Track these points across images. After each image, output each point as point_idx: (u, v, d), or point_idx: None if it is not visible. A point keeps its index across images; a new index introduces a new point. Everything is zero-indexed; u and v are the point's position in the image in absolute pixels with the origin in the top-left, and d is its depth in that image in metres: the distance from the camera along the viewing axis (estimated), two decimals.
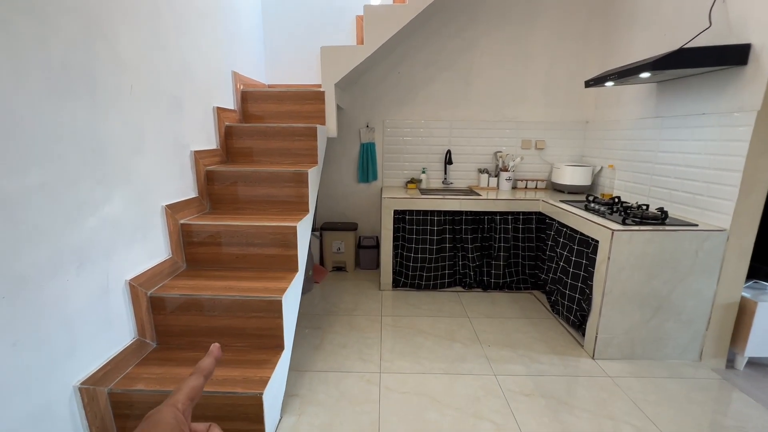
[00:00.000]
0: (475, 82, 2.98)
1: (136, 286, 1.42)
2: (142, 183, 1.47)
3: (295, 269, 1.76)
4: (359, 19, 2.78)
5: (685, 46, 1.76)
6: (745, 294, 1.86)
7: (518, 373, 1.80)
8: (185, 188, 1.80)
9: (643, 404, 1.60)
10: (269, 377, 1.36)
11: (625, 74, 1.93)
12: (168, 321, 1.53)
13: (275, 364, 1.44)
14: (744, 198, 1.72)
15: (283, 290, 1.55)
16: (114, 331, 1.33)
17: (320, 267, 3.09)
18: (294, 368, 1.81)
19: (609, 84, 2.19)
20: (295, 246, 1.75)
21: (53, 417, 1.10)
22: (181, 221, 1.73)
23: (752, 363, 1.93)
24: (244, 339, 1.55)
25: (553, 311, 2.41)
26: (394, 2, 2.79)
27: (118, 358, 1.34)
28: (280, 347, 1.55)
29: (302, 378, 1.75)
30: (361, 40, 2.49)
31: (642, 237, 1.79)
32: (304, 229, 1.86)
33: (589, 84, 2.28)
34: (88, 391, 1.20)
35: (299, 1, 2.87)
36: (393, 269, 2.76)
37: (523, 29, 2.87)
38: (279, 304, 1.50)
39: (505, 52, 2.91)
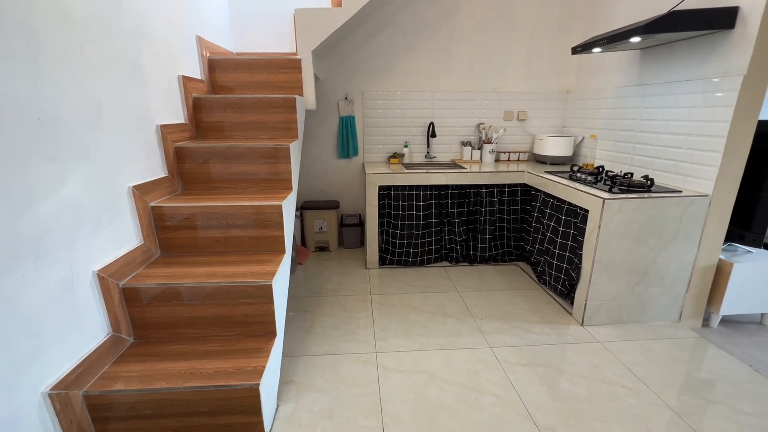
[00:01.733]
0: (456, 51, 2.86)
1: (105, 277, 1.27)
2: (103, 161, 1.29)
3: (282, 251, 1.65)
4: None
5: (673, 9, 1.73)
6: (721, 256, 1.94)
7: (513, 344, 1.82)
8: (153, 167, 1.62)
9: (633, 366, 1.66)
10: (264, 366, 1.28)
11: (614, 39, 1.89)
12: (145, 313, 1.40)
13: (269, 352, 1.36)
14: (727, 163, 1.75)
15: (272, 274, 1.44)
16: (84, 327, 1.19)
17: (302, 248, 2.97)
18: (286, 354, 1.73)
19: (597, 50, 2.15)
20: (281, 226, 1.63)
21: (21, 429, 0.97)
22: (152, 204, 1.56)
23: (725, 321, 2.04)
24: (233, 327, 1.44)
25: (540, 281, 2.45)
26: None
27: (92, 358, 1.21)
28: (273, 334, 1.46)
29: (296, 363, 1.67)
30: (338, 2, 2.30)
31: (631, 205, 1.81)
32: (289, 208, 1.74)
33: (576, 50, 2.23)
34: (59, 396, 1.07)
35: None
36: (379, 247, 2.69)
37: None
38: (269, 288, 1.40)
39: (487, 19, 2.81)
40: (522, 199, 2.67)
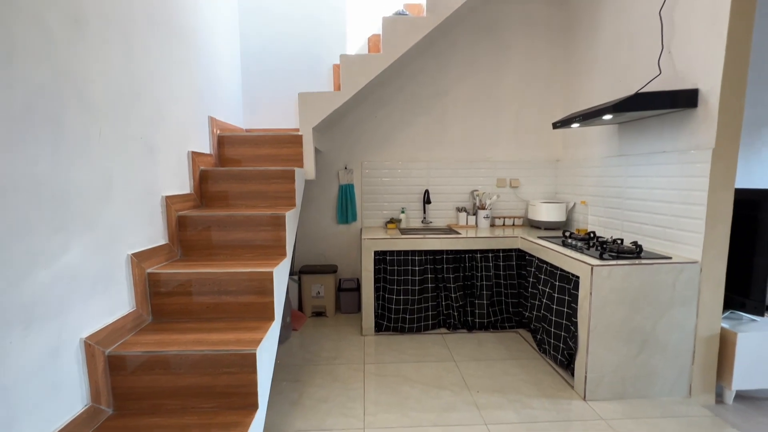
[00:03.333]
0: (449, 125, 3.09)
1: (92, 345, 1.29)
2: (106, 231, 1.38)
3: (272, 318, 1.66)
4: (336, 68, 2.89)
5: (640, 91, 1.90)
6: (724, 325, 1.88)
7: (510, 421, 1.71)
8: (154, 235, 1.71)
9: None
10: None
11: (589, 116, 2.05)
12: (128, 382, 1.38)
13: (247, 426, 1.31)
14: (711, 230, 1.78)
15: (258, 341, 1.44)
16: (62, 398, 1.18)
17: (299, 313, 2.95)
18: (270, 428, 1.65)
19: (575, 125, 2.32)
20: (271, 292, 1.66)
21: None
22: (148, 270, 1.62)
23: (740, 396, 1.91)
24: (213, 399, 1.41)
25: (540, 350, 2.35)
26: (369, 52, 2.94)
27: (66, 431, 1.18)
28: (254, 406, 1.41)
29: None
30: (338, 87, 2.57)
31: (620, 271, 1.81)
32: (281, 274, 1.78)
33: (556, 125, 2.40)
34: None
35: (277, 50, 2.97)
36: (375, 312, 2.66)
37: (492, 76, 3.05)
38: (253, 357, 1.39)
39: (477, 97, 3.07)
40: (517, 264, 2.68)
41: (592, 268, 1.80)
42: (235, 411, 1.40)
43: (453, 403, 1.85)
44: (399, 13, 2.64)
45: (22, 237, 1.04)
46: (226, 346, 1.41)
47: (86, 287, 1.28)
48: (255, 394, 1.41)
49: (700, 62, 1.81)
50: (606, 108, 1.89)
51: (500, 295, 2.70)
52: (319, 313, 3.00)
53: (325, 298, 2.97)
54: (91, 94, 1.31)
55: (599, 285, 1.81)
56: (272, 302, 1.67)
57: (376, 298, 2.66)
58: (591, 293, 1.81)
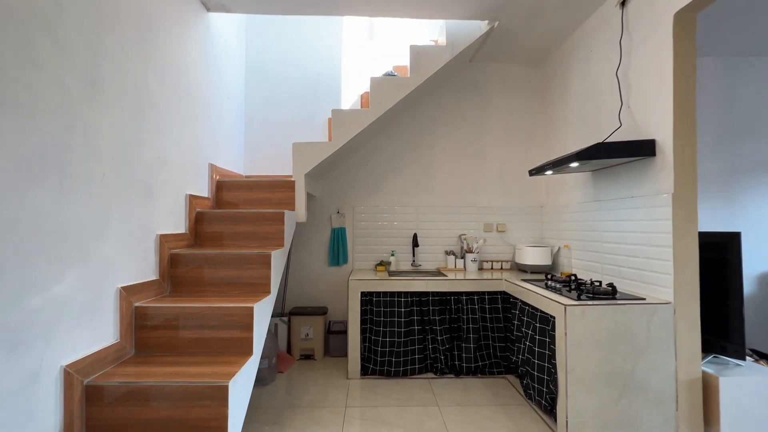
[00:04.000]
0: (437, 173, 3.27)
1: (71, 373, 1.35)
2: (99, 264, 1.49)
3: (249, 353, 1.70)
4: (329, 121, 3.14)
5: (602, 141, 2.06)
6: (706, 369, 1.86)
7: None
8: (146, 270, 1.82)
9: None
10: None
11: (558, 164, 2.19)
12: (103, 414, 1.42)
13: None
14: (680, 271, 1.83)
15: (232, 375, 1.48)
16: (35, 426, 1.22)
17: (286, 355, 2.94)
18: None
19: (549, 172, 2.46)
20: (250, 328, 1.72)
21: None
22: (136, 304, 1.71)
23: None
24: None
25: (526, 396, 2.30)
26: (361, 107, 3.21)
27: None
28: None
29: None
30: (331, 138, 2.78)
31: (594, 311, 1.84)
32: (262, 311, 1.85)
33: (532, 173, 2.55)
34: None
35: (278, 105, 3.26)
36: (361, 355, 2.65)
37: (476, 129, 3.28)
38: (225, 390, 1.43)
39: (462, 147, 3.27)
40: (503, 307, 2.70)
41: (565, 308, 1.84)
42: None
43: None
44: (388, 74, 2.93)
45: (20, 265, 1.15)
46: (202, 378, 1.45)
47: (73, 316, 1.37)
48: (225, 428, 1.43)
49: (654, 115, 1.97)
50: (570, 157, 2.04)
51: (487, 339, 2.69)
52: (307, 356, 2.99)
53: (313, 341, 2.97)
54: (98, 143, 1.49)
55: (573, 325, 1.84)
56: (251, 338, 1.72)
57: (363, 341, 2.67)
58: (566, 333, 1.83)
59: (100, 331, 1.51)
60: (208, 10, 2.47)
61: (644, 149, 1.94)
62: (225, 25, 2.80)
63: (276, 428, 1.99)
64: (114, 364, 1.56)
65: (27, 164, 1.18)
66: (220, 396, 1.43)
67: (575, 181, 2.73)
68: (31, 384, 1.20)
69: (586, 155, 1.98)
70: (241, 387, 1.56)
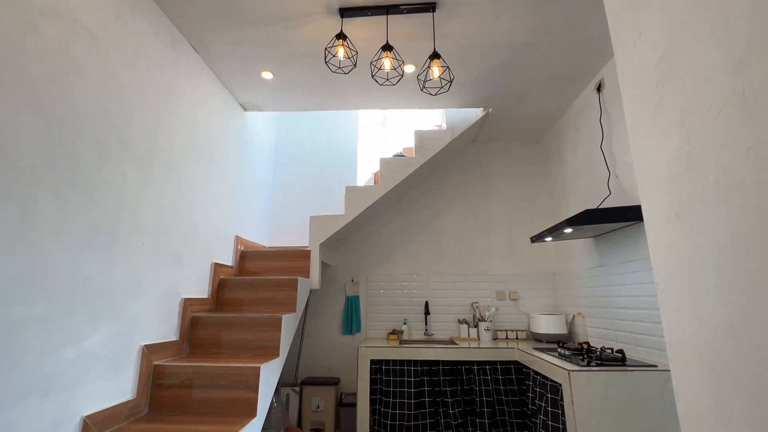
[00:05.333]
0: (446, 242, 3.42)
1: (89, 425, 1.47)
2: (128, 322, 1.69)
3: (253, 414, 1.76)
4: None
5: (593, 208, 2.18)
6: None
7: None
8: (168, 331, 1.99)
9: None
10: None
11: (554, 230, 2.30)
12: None
13: None
14: None
15: None
16: None
17: (296, 429, 2.87)
18: None
19: (548, 239, 2.56)
20: (256, 388, 1.80)
21: None
22: (155, 362, 1.86)
23: None
24: None
25: None
26: (374, 184, 3.53)
27: None
28: None
29: None
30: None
31: (600, 378, 1.79)
32: (268, 373, 1.93)
33: (533, 240, 2.65)
34: None
35: (301, 184, 3.66)
36: (371, 429, 2.56)
37: (482, 200, 3.49)
38: None
39: (469, 218, 3.45)
40: (517, 378, 2.60)
41: (569, 374, 1.80)
42: None
43: None
44: (398, 155, 3.28)
45: (64, 319, 1.37)
46: None
47: (99, 369, 1.53)
48: None
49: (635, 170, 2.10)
50: (563, 223, 2.16)
51: (503, 414, 2.54)
52: (317, 430, 2.90)
53: (324, 413, 2.91)
54: (142, 218, 1.80)
55: (580, 393, 1.78)
56: (256, 398, 1.79)
57: (372, 413, 2.60)
58: (573, 402, 1.77)
59: (120, 386, 1.65)
60: (245, 110, 2.99)
61: (632, 214, 2.04)
62: (259, 120, 3.32)
63: None
64: (128, 421, 1.66)
65: (85, 234, 1.46)
66: None
67: (580, 247, 2.79)
68: (54, 430, 1.33)
69: (577, 221, 2.09)
70: None
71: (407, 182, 3.12)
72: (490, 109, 2.96)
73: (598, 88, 2.48)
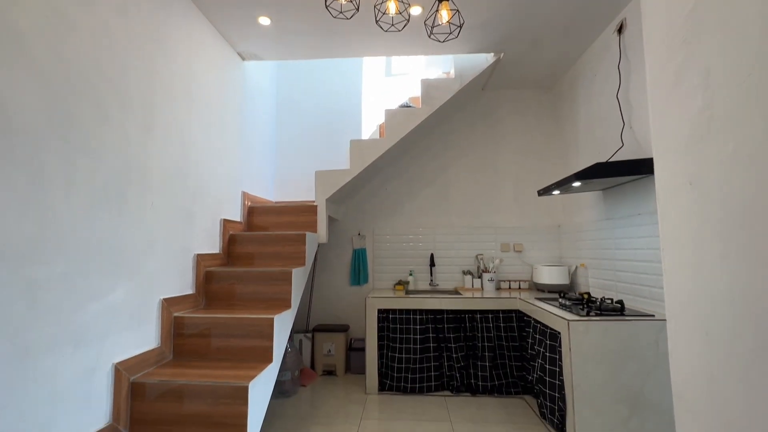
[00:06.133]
0: (453, 195, 3.41)
1: (121, 370, 1.60)
2: (146, 278, 1.77)
3: (269, 360, 1.89)
4: None
5: (603, 161, 2.13)
6: None
7: None
8: (184, 285, 2.09)
9: None
10: None
11: (561, 184, 2.27)
12: (143, 408, 1.65)
13: None
14: None
15: (251, 378, 1.67)
16: (91, 412, 1.46)
17: (310, 370, 3.10)
18: None
19: (556, 192, 2.53)
20: (270, 337, 1.91)
21: None
22: (175, 314, 1.97)
23: None
24: (210, 428, 1.61)
25: (541, 416, 2.29)
26: (379, 137, 3.45)
27: None
28: None
29: None
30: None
31: (598, 327, 1.87)
32: (282, 323, 2.04)
33: (540, 193, 2.63)
34: None
35: (305, 137, 3.59)
36: (379, 371, 2.76)
37: (490, 152, 3.41)
38: (245, 390, 1.61)
39: (477, 170, 3.41)
40: (518, 326, 2.72)
41: (568, 323, 1.88)
42: None
43: None
44: (404, 105, 3.16)
45: (84, 277, 1.43)
46: (226, 380, 1.65)
47: (123, 321, 1.63)
48: (245, 425, 1.60)
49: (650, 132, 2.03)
50: (571, 177, 2.12)
51: (503, 357, 2.71)
52: (329, 372, 3.13)
53: (335, 357, 3.12)
54: (150, 177, 1.80)
55: (577, 341, 1.87)
56: (271, 346, 1.91)
57: (380, 357, 2.78)
58: (570, 349, 1.87)
59: (144, 336, 1.77)
60: (243, 59, 2.85)
61: (644, 167, 1.99)
62: (258, 70, 3.18)
63: None
64: (155, 366, 1.80)
65: (95, 195, 1.48)
66: (240, 396, 1.61)
67: (588, 200, 2.76)
68: (90, 376, 1.45)
69: (587, 175, 2.06)
70: (260, 389, 1.73)
71: (414, 134, 3.04)
72: (502, 55, 2.79)
73: (620, 30, 2.30)
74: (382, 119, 3.51)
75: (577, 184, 2.21)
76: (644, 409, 1.81)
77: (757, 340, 0.46)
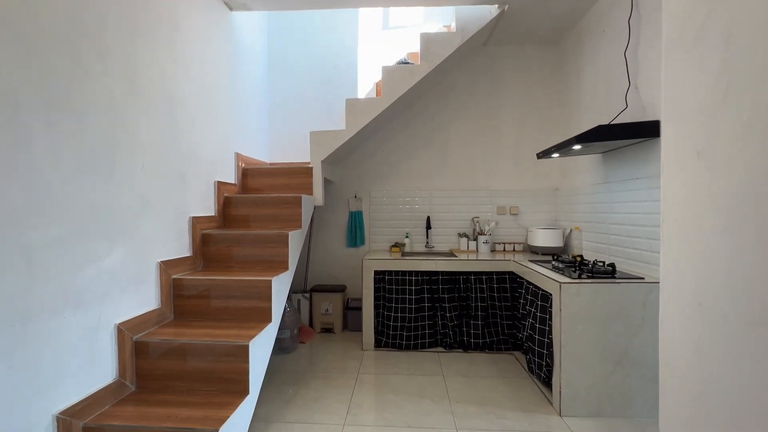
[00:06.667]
0: (450, 157, 3.36)
1: (123, 330, 1.64)
2: (141, 241, 1.76)
3: (268, 320, 1.94)
4: None
5: (605, 123, 2.07)
6: None
7: (480, 428, 1.82)
8: (181, 248, 2.09)
9: None
10: (227, 417, 1.48)
11: (561, 146, 2.23)
12: (148, 365, 1.71)
13: (236, 406, 1.56)
14: None
15: (252, 337, 1.72)
16: (97, 369, 1.52)
17: (308, 328, 3.20)
18: (263, 419, 1.89)
19: (555, 155, 2.49)
20: (269, 298, 1.95)
21: None
22: (174, 276, 1.99)
23: None
24: (214, 383, 1.69)
25: (529, 370, 2.42)
26: (376, 95, 3.33)
27: (97, 395, 1.50)
28: (245, 392, 1.67)
29: (269, 428, 1.82)
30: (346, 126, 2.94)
31: (589, 289, 1.92)
32: (279, 285, 2.07)
33: (539, 156, 2.59)
34: (64, 422, 1.36)
35: (299, 96, 3.45)
36: (375, 329, 2.86)
37: (490, 112, 3.32)
38: (245, 349, 1.67)
39: (476, 131, 3.33)
40: (511, 287, 2.79)
41: (560, 285, 1.93)
42: (230, 394, 1.66)
43: (431, 410, 1.99)
44: (402, 61, 3.02)
45: (79, 240, 1.42)
46: (227, 338, 1.70)
47: (122, 284, 1.64)
48: (246, 381, 1.68)
49: (659, 96, 1.96)
50: (572, 140, 2.08)
51: (495, 317, 2.80)
52: (327, 330, 3.24)
53: (333, 315, 3.22)
54: (138, 138, 1.74)
55: (568, 302, 1.92)
56: (270, 307, 1.95)
57: (376, 316, 2.87)
58: (561, 309, 1.93)
59: (144, 298, 1.79)
60: (231, 9, 2.67)
61: (647, 130, 1.95)
62: (248, 23, 2.99)
63: (296, 389, 2.24)
64: (157, 326, 1.85)
65: (84, 158, 1.44)
66: (241, 354, 1.67)
67: (587, 163, 2.73)
68: (92, 336, 1.49)
69: (588, 138, 2.01)
70: (260, 348, 1.79)
71: (412, 92, 2.93)
72: (506, 6, 2.63)
73: None
74: (379, 77, 3.36)
75: (577, 147, 2.17)
76: (627, 366, 1.91)
77: (753, 314, 0.46)
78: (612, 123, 2.09)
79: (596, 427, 1.83)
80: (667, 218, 0.66)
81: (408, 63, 2.94)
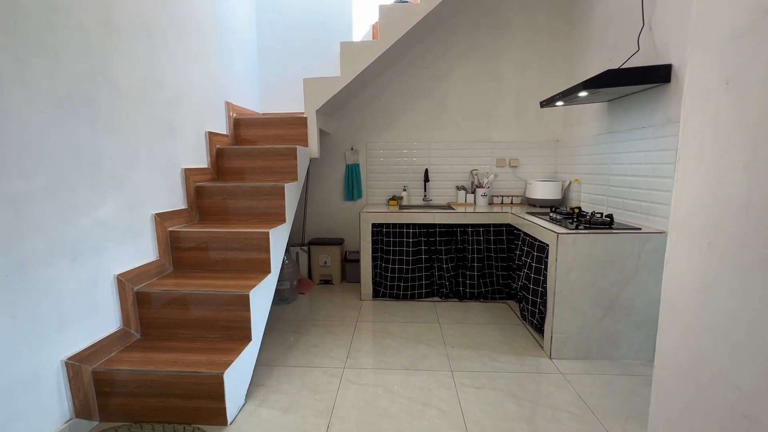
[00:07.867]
0: (450, 107, 3.23)
1: (123, 281, 1.65)
2: (133, 192, 1.72)
3: (268, 271, 1.96)
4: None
5: (615, 68, 1.97)
6: None
7: (474, 370, 1.91)
8: (175, 201, 2.05)
9: (587, 396, 1.69)
10: (232, 361, 1.54)
11: (567, 94, 2.14)
12: (151, 314, 1.74)
13: (240, 352, 1.62)
14: None
15: (252, 287, 1.74)
16: (100, 318, 1.54)
17: (307, 280, 3.27)
18: (265, 363, 1.97)
19: (559, 103, 2.40)
20: (267, 250, 1.95)
21: (41, 385, 1.30)
22: (170, 228, 1.97)
23: None
24: (217, 331, 1.73)
25: (522, 318, 2.51)
26: (373, 39, 3.13)
27: (104, 342, 1.54)
28: (248, 338, 1.72)
29: (271, 371, 1.90)
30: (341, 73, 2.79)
31: (585, 239, 1.93)
32: (277, 237, 2.07)
33: (543, 104, 2.49)
34: (73, 366, 1.40)
35: (290, 41, 3.24)
36: (373, 280, 2.92)
37: (493, 59, 3.14)
38: (246, 298, 1.69)
39: (477, 79, 3.18)
40: (507, 239, 2.82)
41: (557, 236, 1.94)
42: (233, 341, 1.71)
43: (427, 353, 2.07)
44: (400, 0, 2.80)
45: (68, 191, 1.38)
46: (228, 288, 1.72)
47: (118, 236, 1.63)
48: (249, 329, 1.72)
49: (674, 37, 1.85)
50: (578, 86, 1.98)
51: (491, 268, 2.85)
52: (326, 281, 3.31)
53: (331, 268, 3.27)
54: (120, 82, 1.63)
55: (564, 252, 1.94)
56: (268, 258, 1.96)
57: (374, 267, 2.91)
58: (557, 259, 1.95)
59: (141, 250, 1.79)
60: None
61: (658, 75, 1.86)
62: None
63: (297, 336, 2.32)
64: (157, 277, 1.86)
65: (62, 101, 1.35)
66: (242, 303, 1.70)
67: (592, 112, 2.64)
68: (92, 286, 1.50)
69: (596, 83, 1.92)
70: (260, 297, 1.82)
71: (410, 35, 2.74)
72: None
73: None
74: (375, 18, 3.14)
75: (583, 93, 2.08)
76: (617, 312, 1.97)
77: (766, 252, 0.44)
78: (622, 67, 1.98)
79: (583, 367, 1.93)
80: (684, 156, 0.63)
81: (407, 1, 2.73)
